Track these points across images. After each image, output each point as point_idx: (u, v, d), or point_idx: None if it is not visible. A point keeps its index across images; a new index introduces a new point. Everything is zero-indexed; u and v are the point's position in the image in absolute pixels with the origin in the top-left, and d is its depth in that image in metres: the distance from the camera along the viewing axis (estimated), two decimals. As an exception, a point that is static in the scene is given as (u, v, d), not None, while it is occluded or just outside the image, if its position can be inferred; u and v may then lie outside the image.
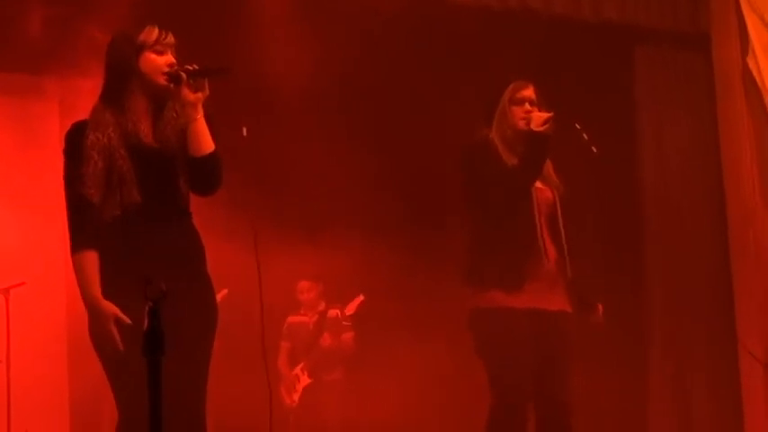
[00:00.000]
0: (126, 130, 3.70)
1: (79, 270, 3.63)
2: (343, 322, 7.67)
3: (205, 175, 3.77)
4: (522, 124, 4.75)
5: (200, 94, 3.72)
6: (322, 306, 7.86)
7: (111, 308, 3.57)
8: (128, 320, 3.53)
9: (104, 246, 3.68)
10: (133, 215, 3.67)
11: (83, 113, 3.83)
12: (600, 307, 4.93)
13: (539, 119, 4.70)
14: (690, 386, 7.56)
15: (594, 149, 4.72)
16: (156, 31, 3.77)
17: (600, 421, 6.57)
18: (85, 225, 3.65)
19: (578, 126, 4.73)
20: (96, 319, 3.59)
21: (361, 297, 7.66)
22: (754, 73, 7.34)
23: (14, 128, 7.42)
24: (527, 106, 4.78)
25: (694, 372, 7.57)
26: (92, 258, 3.63)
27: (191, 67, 3.73)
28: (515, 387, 4.65)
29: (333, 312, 7.75)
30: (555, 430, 4.73)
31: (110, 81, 3.80)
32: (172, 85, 3.73)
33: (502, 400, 4.65)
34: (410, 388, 7.38)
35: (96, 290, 3.60)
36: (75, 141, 3.71)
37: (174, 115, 3.77)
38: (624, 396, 7.41)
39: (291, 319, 7.96)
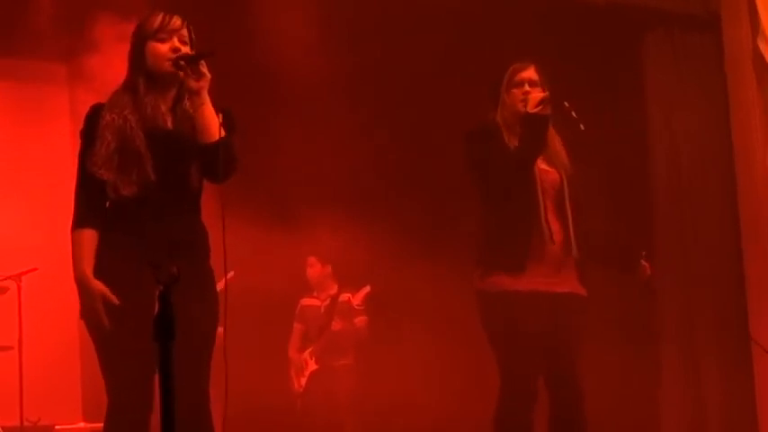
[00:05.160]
0: (145, 114, 3.71)
1: (75, 246, 3.69)
2: (356, 306, 7.66)
3: (216, 161, 3.73)
4: (520, 106, 4.75)
5: (202, 82, 3.70)
6: (334, 289, 7.85)
7: (99, 286, 3.60)
8: (115, 301, 3.57)
9: (110, 229, 3.70)
10: (141, 200, 3.66)
11: (93, 99, 3.84)
12: (646, 264, 4.90)
13: (533, 100, 4.70)
14: (701, 367, 7.54)
15: (582, 127, 4.70)
16: (158, 19, 3.76)
17: (612, 403, 6.56)
18: (90, 203, 3.69)
19: (567, 104, 4.71)
20: (85, 297, 3.64)
21: (368, 288, 7.65)
22: (765, 55, 7.30)
23: (25, 114, 7.43)
24: (526, 87, 4.77)
25: (706, 355, 7.55)
26: (89, 237, 3.68)
27: (185, 54, 3.71)
28: (524, 371, 4.65)
29: (344, 297, 7.74)
30: (568, 413, 4.73)
31: (129, 70, 3.81)
32: (181, 73, 3.71)
33: (511, 384, 4.65)
34: (418, 373, 7.40)
35: (87, 267, 3.64)
36: (91, 122, 3.72)
37: (189, 105, 3.76)
38: (636, 379, 7.41)
39: (304, 301, 7.95)
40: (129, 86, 3.76)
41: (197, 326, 3.68)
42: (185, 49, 3.74)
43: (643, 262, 4.92)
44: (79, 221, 3.70)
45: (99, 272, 3.65)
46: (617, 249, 4.94)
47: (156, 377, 2.70)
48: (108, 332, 3.58)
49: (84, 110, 3.83)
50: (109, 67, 3.95)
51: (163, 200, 3.71)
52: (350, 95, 7.47)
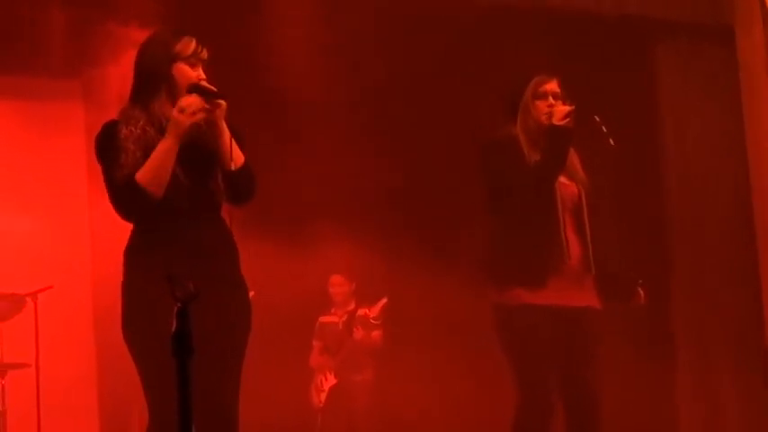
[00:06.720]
0: (160, 125, 3.72)
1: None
2: (371, 320, 7.68)
3: (239, 186, 3.79)
4: (544, 118, 4.71)
5: (218, 111, 3.73)
6: (352, 305, 7.88)
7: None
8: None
9: (136, 240, 3.71)
10: (170, 204, 3.67)
11: (108, 115, 3.84)
12: (641, 291, 4.89)
13: (560, 113, 4.67)
14: (717, 379, 7.53)
15: (612, 142, 4.69)
16: (193, 44, 3.79)
17: (629, 417, 6.53)
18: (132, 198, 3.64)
19: (597, 119, 4.71)
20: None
21: (384, 300, 7.67)
22: (780, 65, 7.30)
23: (39, 132, 7.44)
24: (550, 100, 4.74)
25: (721, 365, 7.53)
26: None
27: (202, 86, 3.75)
28: (542, 385, 4.63)
29: (362, 311, 7.77)
30: (584, 427, 4.71)
31: (139, 83, 3.82)
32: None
33: (529, 398, 4.64)
34: (436, 387, 7.39)
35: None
36: (108, 138, 3.71)
37: (203, 125, 3.77)
38: (652, 391, 7.38)
39: (323, 319, 7.99)
40: (140, 100, 3.78)
41: (227, 335, 3.70)
42: (204, 80, 3.79)
43: (639, 290, 4.91)
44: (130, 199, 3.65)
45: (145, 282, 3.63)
46: (615, 277, 4.91)
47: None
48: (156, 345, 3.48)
49: (99, 124, 3.84)
50: (123, 78, 3.95)
51: (192, 203, 3.74)
52: (360, 110, 7.49)
